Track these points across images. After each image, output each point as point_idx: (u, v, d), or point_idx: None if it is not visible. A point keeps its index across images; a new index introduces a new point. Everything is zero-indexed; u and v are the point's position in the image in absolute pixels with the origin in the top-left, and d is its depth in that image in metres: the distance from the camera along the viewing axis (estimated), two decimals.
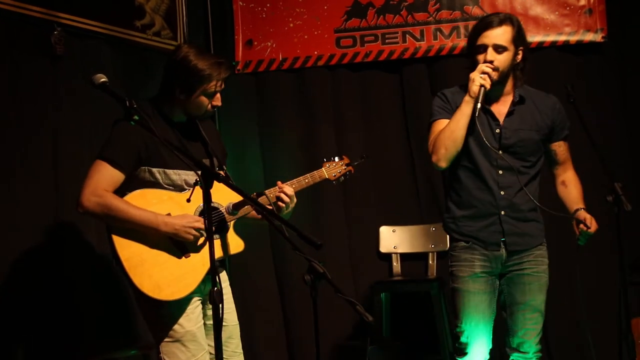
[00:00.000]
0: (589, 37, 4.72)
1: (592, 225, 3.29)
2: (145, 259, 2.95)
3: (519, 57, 3.32)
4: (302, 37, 4.99)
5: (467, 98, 3.24)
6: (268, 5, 5.02)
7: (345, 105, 5.05)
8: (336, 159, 3.48)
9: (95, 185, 2.93)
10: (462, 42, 4.83)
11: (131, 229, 2.94)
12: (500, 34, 3.25)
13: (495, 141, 3.30)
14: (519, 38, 3.29)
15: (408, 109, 5.00)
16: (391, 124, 5.03)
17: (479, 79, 3.21)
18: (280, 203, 3.18)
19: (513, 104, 3.35)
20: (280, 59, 5.01)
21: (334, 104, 5.05)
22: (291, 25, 5.00)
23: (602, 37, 4.70)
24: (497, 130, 3.31)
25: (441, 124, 3.34)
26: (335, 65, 5.00)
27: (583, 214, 3.32)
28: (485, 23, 3.29)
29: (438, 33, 4.87)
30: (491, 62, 3.23)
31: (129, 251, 2.93)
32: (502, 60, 3.25)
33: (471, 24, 4.79)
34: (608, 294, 4.48)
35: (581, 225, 3.30)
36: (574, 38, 4.71)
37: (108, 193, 2.93)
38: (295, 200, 3.23)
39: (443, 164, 3.30)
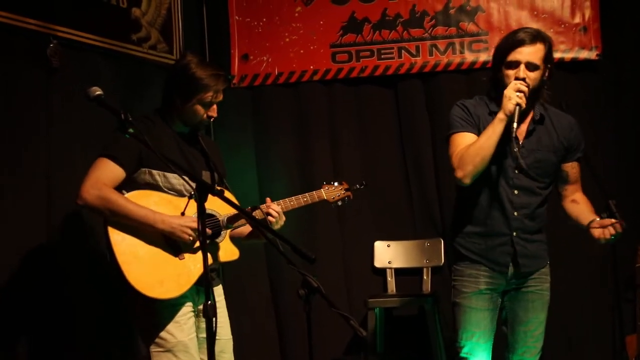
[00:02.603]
0: (584, 54, 4.75)
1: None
2: (139, 255, 2.97)
3: (547, 74, 3.24)
4: (298, 52, 5.00)
5: (501, 116, 3.13)
6: (264, 19, 5.04)
7: (340, 120, 5.06)
8: (336, 183, 3.52)
9: (96, 179, 2.97)
10: (457, 58, 4.85)
11: (128, 225, 2.96)
12: (533, 52, 3.16)
13: (513, 160, 3.24)
14: (549, 56, 3.22)
15: (403, 124, 5.01)
16: (386, 138, 5.05)
17: (515, 98, 3.09)
18: (270, 218, 3.20)
19: (533, 122, 3.28)
20: (276, 73, 5.02)
21: (329, 118, 5.06)
22: (287, 39, 5.01)
23: (597, 55, 4.73)
24: (516, 149, 3.20)
25: (464, 137, 3.25)
26: (331, 80, 5.01)
27: (608, 220, 3.19)
28: (519, 39, 3.17)
29: (433, 49, 4.89)
30: (524, 79, 3.14)
31: (124, 246, 2.96)
32: (533, 78, 3.16)
33: (467, 40, 4.84)
34: (602, 311, 4.48)
35: (614, 225, 3.14)
36: (569, 55, 4.73)
37: (108, 187, 2.97)
38: (283, 218, 3.26)
39: (468, 181, 3.20)
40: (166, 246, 3.02)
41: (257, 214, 3.17)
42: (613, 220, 3.18)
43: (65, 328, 3.59)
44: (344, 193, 3.51)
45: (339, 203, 3.51)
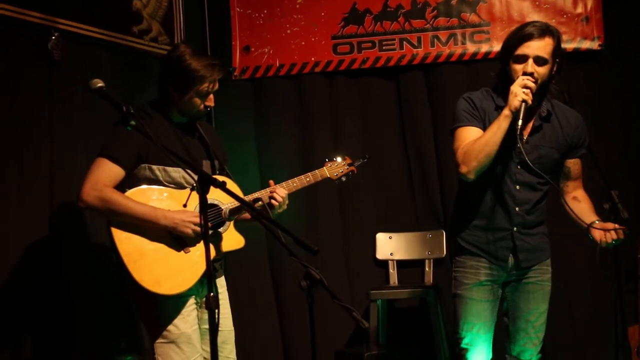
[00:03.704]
0: (586, 44, 4.73)
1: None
2: (145, 253, 2.97)
3: (555, 69, 3.20)
4: (300, 44, 4.99)
5: (506, 112, 3.08)
6: (265, 11, 5.03)
7: (342, 112, 5.05)
8: (338, 159, 3.50)
9: (96, 180, 2.97)
10: (459, 49, 4.84)
11: (131, 224, 2.96)
12: (542, 46, 3.12)
13: (516, 155, 3.22)
14: (558, 50, 3.18)
15: (405, 116, 5.00)
16: (388, 130, 5.04)
17: (522, 94, 3.05)
18: (273, 201, 3.19)
19: (540, 118, 3.25)
20: (278, 65, 5.01)
21: (331, 110, 5.05)
22: (288, 31, 5.00)
23: (599, 45, 4.72)
24: (519, 145, 3.16)
25: (469, 131, 3.22)
26: (333, 72, 5.00)
27: (611, 224, 3.19)
28: (527, 33, 3.13)
29: (435, 40, 4.88)
30: (531, 74, 3.10)
31: (128, 245, 2.96)
32: (541, 73, 3.12)
33: (468, 31, 4.83)
34: (604, 302, 4.48)
35: (616, 230, 3.14)
36: (571, 46, 4.72)
37: (108, 187, 2.97)
38: (287, 201, 3.24)
39: (472, 176, 3.18)
40: (171, 241, 3.02)
41: (260, 204, 3.17)
42: (616, 225, 3.17)
43: (66, 326, 3.59)
44: (347, 168, 3.48)
45: (343, 179, 3.48)
